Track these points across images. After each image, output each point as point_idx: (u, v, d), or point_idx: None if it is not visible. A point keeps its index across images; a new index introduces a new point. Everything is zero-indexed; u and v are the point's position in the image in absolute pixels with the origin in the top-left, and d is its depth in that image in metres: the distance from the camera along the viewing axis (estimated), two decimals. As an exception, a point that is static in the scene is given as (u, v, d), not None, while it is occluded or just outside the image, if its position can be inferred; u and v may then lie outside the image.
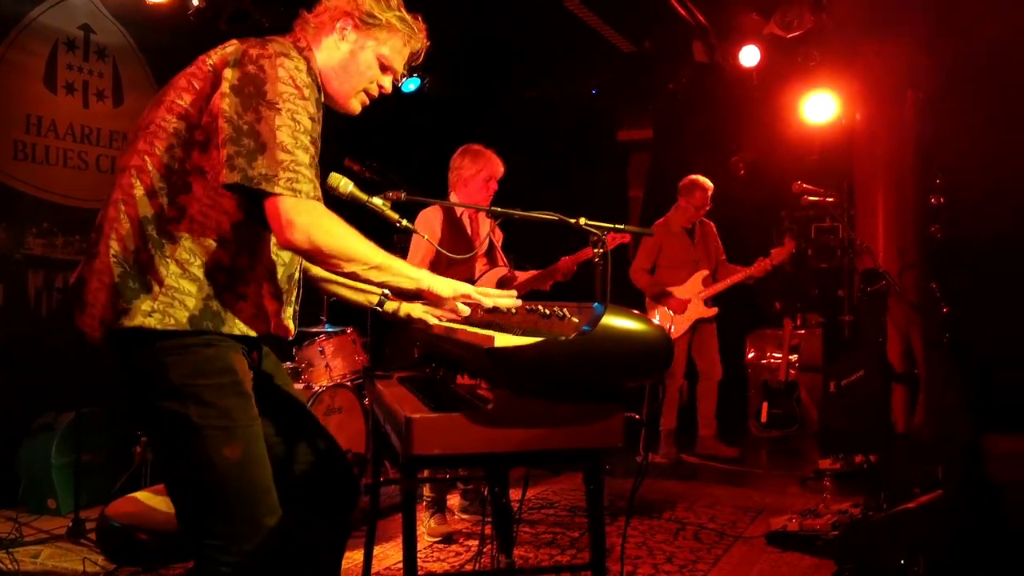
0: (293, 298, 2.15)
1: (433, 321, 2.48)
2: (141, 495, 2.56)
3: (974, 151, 6.77)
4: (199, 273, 1.91)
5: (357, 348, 5.16)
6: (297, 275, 2.18)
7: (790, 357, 7.19)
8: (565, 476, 5.39)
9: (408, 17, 2.21)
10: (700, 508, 4.73)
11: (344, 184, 2.32)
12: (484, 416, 1.79)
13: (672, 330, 6.06)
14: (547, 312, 2.07)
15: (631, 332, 1.80)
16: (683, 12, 6.57)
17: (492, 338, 1.78)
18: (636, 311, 1.84)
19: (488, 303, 2.16)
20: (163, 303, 1.87)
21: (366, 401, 4.99)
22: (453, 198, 4.27)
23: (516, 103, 8.30)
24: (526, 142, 7.49)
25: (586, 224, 2.44)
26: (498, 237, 4.37)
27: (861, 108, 6.70)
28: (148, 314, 1.85)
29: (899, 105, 6.49)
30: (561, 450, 1.85)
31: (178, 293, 1.88)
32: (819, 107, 6.84)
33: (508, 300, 2.20)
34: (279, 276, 2.07)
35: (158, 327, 1.86)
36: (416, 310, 2.49)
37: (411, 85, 7.17)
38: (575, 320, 1.91)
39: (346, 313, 5.50)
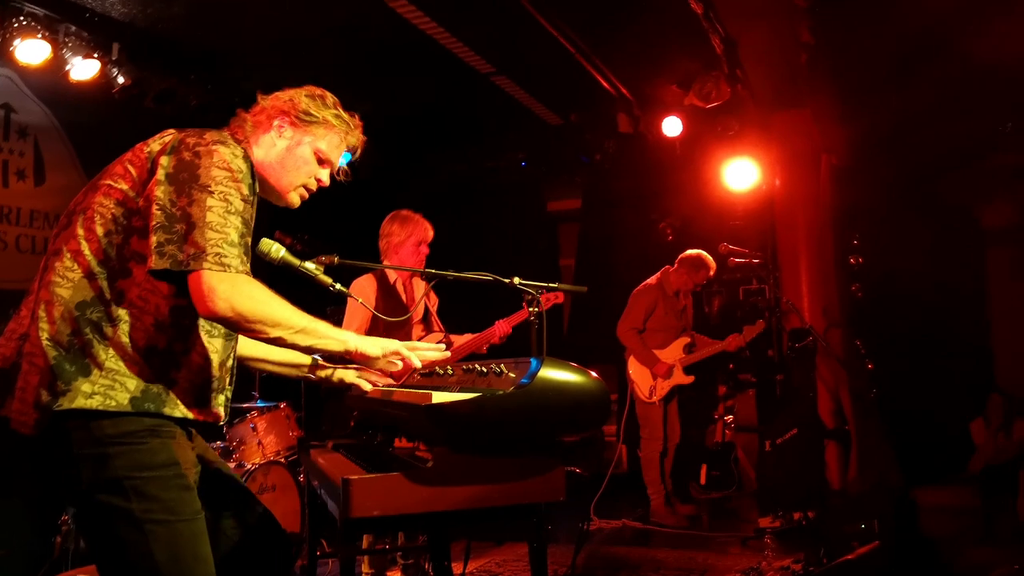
0: (226, 385, 2.12)
1: (367, 387, 2.44)
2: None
3: (888, 212, 7.10)
4: (137, 356, 1.88)
5: (291, 423, 5.05)
6: (230, 363, 2.15)
7: (726, 418, 7.27)
8: (508, 546, 5.29)
9: (344, 115, 2.27)
10: (645, 573, 4.69)
11: (276, 250, 2.32)
12: (424, 475, 1.77)
13: (654, 393, 6.07)
14: (484, 370, 2.07)
15: (569, 384, 1.81)
16: (607, 85, 6.78)
17: (430, 395, 1.77)
18: (574, 364, 1.85)
19: (416, 362, 2.16)
20: (104, 385, 1.83)
21: (301, 478, 4.87)
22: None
23: (447, 175, 8.41)
24: (457, 214, 7.56)
25: (520, 284, 2.48)
26: (433, 302, 4.37)
27: (780, 174, 6.97)
28: (89, 396, 1.81)
29: (815, 170, 6.77)
30: (504, 507, 1.83)
31: (118, 375, 1.85)
32: (740, 174, 7.08)
33: (436, 354, 2.21)
34: (212, 363, 2.04)
35: (99, 408, 1.81)
36: (349, 375, 2.45)
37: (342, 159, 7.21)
38: (512, 375, 1.92)
39: (279, 388, 5.39)
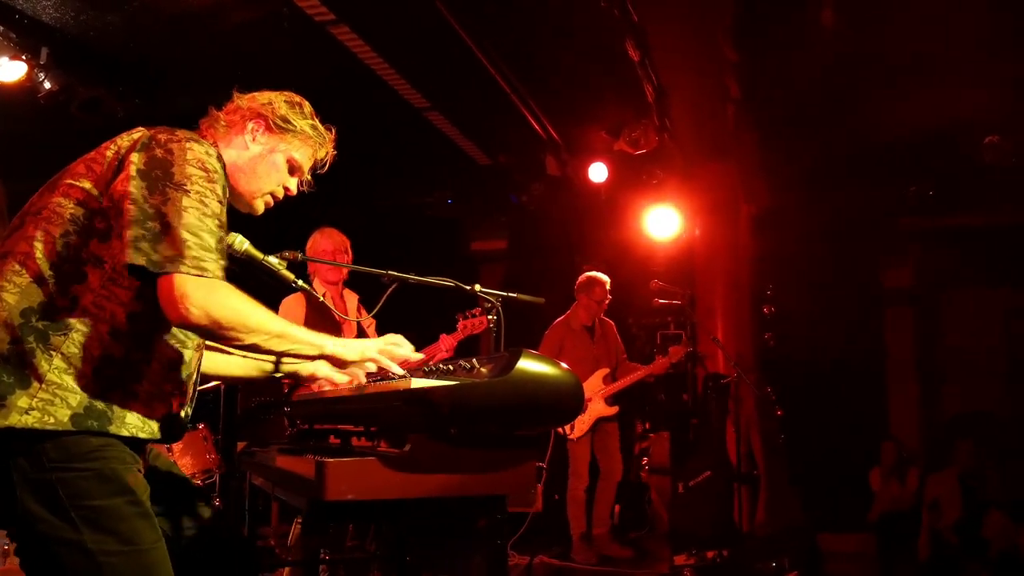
0: (188, 399, 2.02)
1: (341, 379, 2.34)
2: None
3: (801, 266, 7.42)
4: (87, 368, 1.76)
5: (208, 445, 4.88)
6: (196, 377, 2.05)
7: (640, 460, 7.38)
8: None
9: (320, 127, 2.22)
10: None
11: (240, 242, 2.28)
12: (400, 461, 1.76)
13: (572, 428, 6.03)
14: (450, 368, 2.07)
15: (548, 375, 1.84)
16: (538, 128, 6.91)
17: (409, 381, 1.77)
18: (548, 357, 1.88)
19: (396, 368, 2.09)
20: (43, 400, 1.71)
21: (216, 501, 4.70)
22: (315, 283, 4.35)
23: (371, 210, 8.38)
24: (380, 250, 7.51)
25: (481, 291, 2.51)
26: (369, 324, 4.35)
27: (700, 223, 7.23)
28: (25, 411, 1.69)
29: (734, 220, 7.06)
30: (476, 496, 1.83)
31: (60, 389, 1.72)
32: (662, 221, 7.32)
33: (412, 354, 2.16)
34: (177, 373, 1.94)
35: (36, 427, 1.69)
36: (321, 369, 2.34)
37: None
38: (484, 370, 1.93)
39: (196, 409, 5.21)
